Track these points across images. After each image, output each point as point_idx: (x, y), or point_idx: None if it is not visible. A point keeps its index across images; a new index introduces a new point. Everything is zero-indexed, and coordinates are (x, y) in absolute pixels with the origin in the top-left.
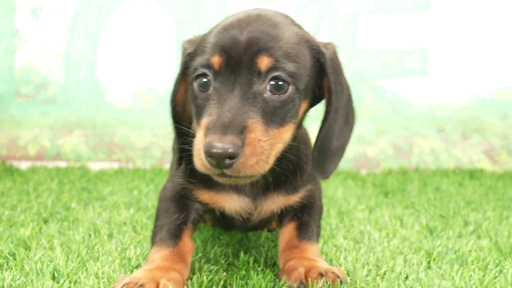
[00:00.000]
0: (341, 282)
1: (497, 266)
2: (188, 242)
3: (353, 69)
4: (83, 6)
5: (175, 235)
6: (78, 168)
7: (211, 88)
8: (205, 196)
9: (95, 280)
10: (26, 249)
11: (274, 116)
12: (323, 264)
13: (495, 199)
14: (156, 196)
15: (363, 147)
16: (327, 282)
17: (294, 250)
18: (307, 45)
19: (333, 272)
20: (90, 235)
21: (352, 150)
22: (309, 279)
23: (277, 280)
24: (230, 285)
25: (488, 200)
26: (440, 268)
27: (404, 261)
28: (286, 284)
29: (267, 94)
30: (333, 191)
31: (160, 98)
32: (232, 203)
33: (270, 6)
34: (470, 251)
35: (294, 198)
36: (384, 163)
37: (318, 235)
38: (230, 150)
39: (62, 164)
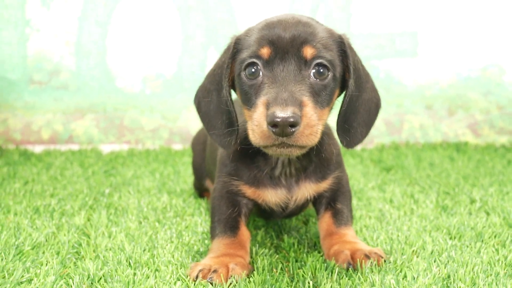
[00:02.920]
0: (384, 261)
1: None
2: (245, 232)
3: None
4: None
5: (233, 226)
6: (90, 150)
7: (260, 75)
8: (249, 191)
9: (173, 267)
10: (87, 238)
11: (318, 97)
12: (364, 246)
13: (487, 173)
14: (180, 179)
15: None
16: (372, 263)
17: (334, 236)
18: (333, 37)
19: (375, 253)
20: (141, 222)
21: None
22: (357, 260)
23: (328, 261)
24: (287, 267)
25: (481, 175)
26: (463, 245)
27: (431, 239)
28: (337, 265)
29: (312, 78)
30: None
31: (168, 82)
32: (272, 196)
33: None
34: (484, 227)
35: (324, 185)
36: (377, 139)
37: (352, 218)
38: (292, 119)
39: (74, 147)
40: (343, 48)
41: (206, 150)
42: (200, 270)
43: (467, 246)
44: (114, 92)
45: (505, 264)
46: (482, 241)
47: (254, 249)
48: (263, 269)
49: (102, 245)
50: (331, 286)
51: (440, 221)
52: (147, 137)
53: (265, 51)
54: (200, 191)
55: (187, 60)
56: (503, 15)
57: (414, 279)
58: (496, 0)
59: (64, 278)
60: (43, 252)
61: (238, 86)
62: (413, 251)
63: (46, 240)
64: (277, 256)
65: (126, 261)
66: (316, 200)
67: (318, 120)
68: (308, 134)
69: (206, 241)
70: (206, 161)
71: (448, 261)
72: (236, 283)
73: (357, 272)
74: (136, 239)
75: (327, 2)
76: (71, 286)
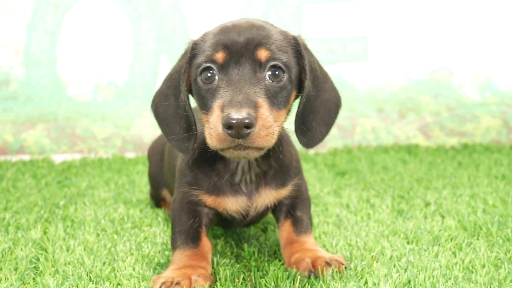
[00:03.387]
0: (345, 268)
1: (469, 245)
2: (207, 242)
3: None
4: (41, 3)
5: (195, 237)
6: (42, 160)
7: (216, 80)
8: (209, 200)
9: (135, 281)
10: (45, 252)
11: (274, 99)
12: (324, 253)
13: (439, 175)
14: (135, 189)
15: None
16: (333, 270)
17: (294, 244)
18: (287, 39)
19: (336, 260)
20: (98, 235)
21: None
22: (318, 268)
23: (290, 269)
24: (249, 277)
25: (434, 177)
26: (421, 249)
27: (389, 244)
28: (298, 273)
29: (267, 81)
30: None
31: (120, 90)
32: (232, 204)
33: None
34: (440, 230)
35: (284, 192)
36: (330, 143)
37: (311, 225)
38: (247, 120)
39: (25, 157)
40: (298, 49)
41: (164, 160)
42: (162, 283)
43: (425, 250)
44: (65, 101)
45: (462, 267)
46: (439, 244)
47: (215, 259)
48: (226, 280)
49: (61, 259)
50: None
51: (397, 225)
52: (100, 146)
53: (219, 56)
54: (157, 200)
55: (139, 68)
56: (451, 19)
57: (375, 285)
58: (443, 5)
59: None
60: (0, 268)
61: (195, 90)
62: (372, 256)
63: (3, 256)
64: (238, 265)
65: (87, 275)
66: (276, 208)
67: (275, 122)
68: (264, 135)
69: (166, 252)
70: (164, 171)
71: (407, 266)
72: None
73: (319, 280)
74: (95, 253)
75: (278, 8)
76: None
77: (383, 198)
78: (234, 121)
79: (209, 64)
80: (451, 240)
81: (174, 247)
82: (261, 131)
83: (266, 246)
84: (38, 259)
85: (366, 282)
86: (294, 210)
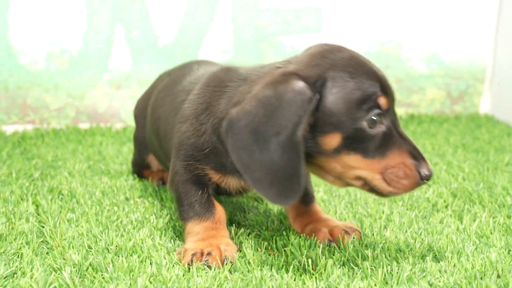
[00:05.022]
0: (362, 235)
1: (469, 212)
2: (221, 211)
3: (256, 28)
4: None
5: (209, 207)
6: None
7: (382, 125)
8: (215, 177)
9: (164, 253)
10: (48, 226)
11: None
12: (338, 222)
13: None
14: (107, 160)
15: None
16: (354, 237)
17: (305, 215)
18: None
19: (351, 227)
20: (97, 207)
21: None
22: (338, 236)
23: (309, 238)
24: (270, 247)
25: None
26: (424, 215)
27: (393, 211)
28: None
29: None
30: None
31: (74, 59)
32: (236, 183)
33: None
34: (434, 198)
35: None
36: None
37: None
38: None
39: None
40: None
41: (148, 121)
42: (193, 255)
43: (429, 217)
44: (17, 69)
45: (473, 233)
46: (438, 210)
47: (231, 229)
48: (252, 249)
49: (68, 232)
50: (328, 262)
51: None
52: (52, 116)
53: (383, 102)
54: (140, 168)
55: (93, 36)
56: None
57: (399, 251)
58: None
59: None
60: (10, 243)
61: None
62: (380, 225)
63: (8, 230)
64: (253, 234)
65: (106, 248)
66: None
67: None
68: None
69: (177, 223)
70: (147, 133)
71: (421, 232)
72: (232, 264)
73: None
74: (103, 225)
75: None
76: (65, 280)
77: None
78: (429, 173)
79: (378, 111)
80: (446, 207)
81: (186, 219)
82: None
83: (271, 216)
84: (42, 233)
85: (389, 249)
86: None
